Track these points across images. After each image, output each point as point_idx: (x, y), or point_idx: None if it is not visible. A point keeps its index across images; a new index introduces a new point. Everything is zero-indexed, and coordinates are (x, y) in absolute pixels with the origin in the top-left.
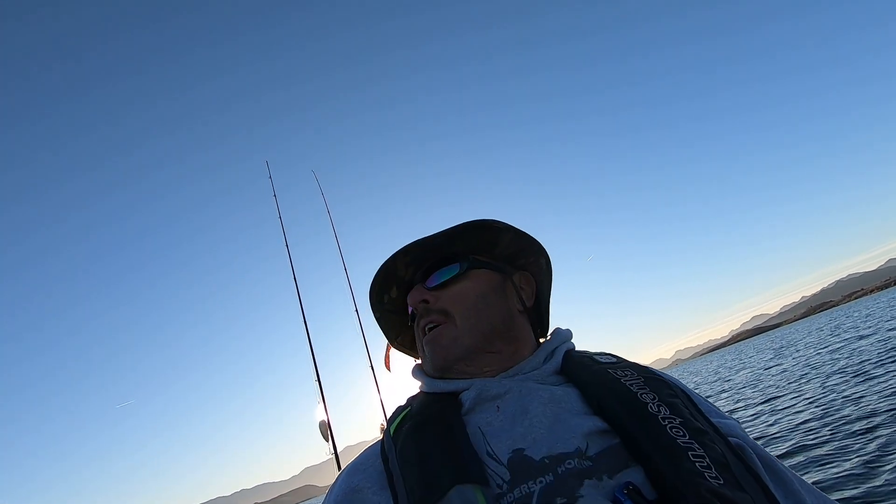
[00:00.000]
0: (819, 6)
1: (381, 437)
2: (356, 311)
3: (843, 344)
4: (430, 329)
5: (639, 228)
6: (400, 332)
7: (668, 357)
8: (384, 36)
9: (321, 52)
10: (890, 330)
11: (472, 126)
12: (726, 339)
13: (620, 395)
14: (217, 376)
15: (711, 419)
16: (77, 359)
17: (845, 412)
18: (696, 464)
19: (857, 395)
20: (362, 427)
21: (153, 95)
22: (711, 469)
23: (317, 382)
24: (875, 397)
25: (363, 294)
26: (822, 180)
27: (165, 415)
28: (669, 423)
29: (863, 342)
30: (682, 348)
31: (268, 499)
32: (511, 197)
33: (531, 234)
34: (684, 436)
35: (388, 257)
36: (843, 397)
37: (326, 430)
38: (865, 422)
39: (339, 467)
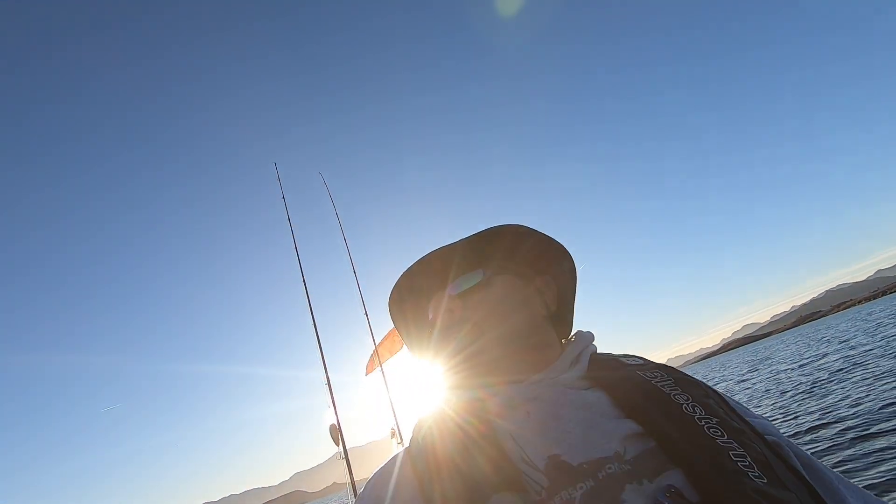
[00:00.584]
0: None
1: (391, 440)
2: (365, 314)
3: (811, 360)
4: (460, 344)
5: (633, 237)
6: (422, 341)
7: None
8: (395, 41)
9: (333, 55)
10: (852, 347)
11: (482, 129)
12: (717, 347)
13: (653, 396)
14: (210, 380)
15: (746, 418)
16: (70, 358)
17: (789, 430)
18: (738, 463)
19: (806, 411)
20: (371, 429)
21: (164, 96)
22: (754, 468)
23: (327, 386)
24: (815, 414)
25: (372, 296)
26: (814, 193)
27: (154, 419)
28: (706, 423)
29: (828, 358)
30: (674, 356)
31: None
32: (518, 199)
33: (554, 238)
34: (723, 435)
35: (409, 267)
36: (790, 415)
37: (337, 433)
38: (809, 438)
39: (350, 469)
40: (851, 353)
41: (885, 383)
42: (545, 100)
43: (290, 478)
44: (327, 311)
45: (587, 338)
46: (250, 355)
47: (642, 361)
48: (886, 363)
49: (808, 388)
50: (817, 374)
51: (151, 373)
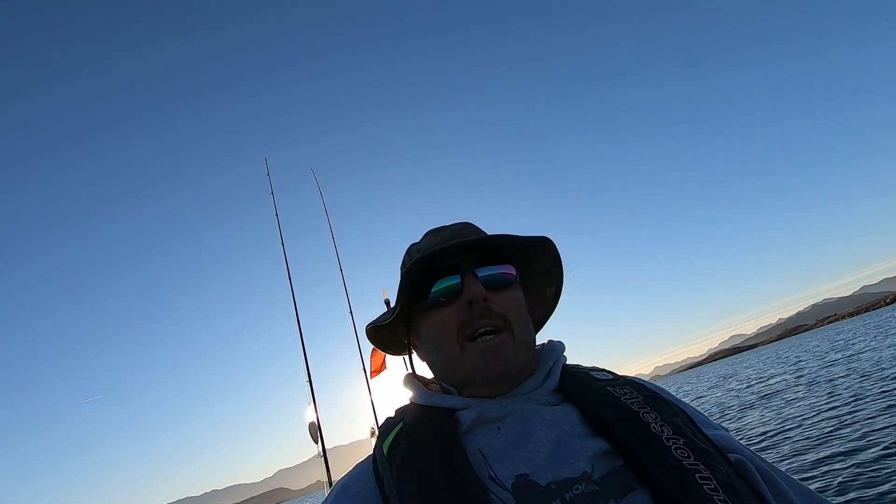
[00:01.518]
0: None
1: (371, 439)
2: (350, 311)
3: (773, 375)
4: (488, 334)
5: (625, 243)
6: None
7: (648, 372)
8: (387, 36)
9: (324, 49)
10: (798, 371)
11: (471, 127)
12: (703, 357)
13: (622, 414)
14: (193, 373)
15: (707, 433)
16: (47, 352)
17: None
18: (704, 486)
19: (750, 428)
20: (353, 429)
21: (152, 88)
22: (719, 492)
23: (308, 383)
24: (758, 429)
25: (358, 295)
26: (803, 206)
27: (134, 411)
28: (674, 443)
29: (785, 376)
30: (661, 364)
31: (238, 501)
32: (504, 199)
33: (562, 263)
34: (689, 457)
35: (448, 245)
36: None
37: (316, 431)
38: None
39: (328, 468)
40: (789, 377)
41: (793, 410)
42: (541, 98)
43: (274, 475)
44: (313, 310)
45: (558, 349)
46: (234, 350)
47: (612, 376)
48: (805, 393)
49: (737, 409)
50: (746, 398)
51: (133, 367)
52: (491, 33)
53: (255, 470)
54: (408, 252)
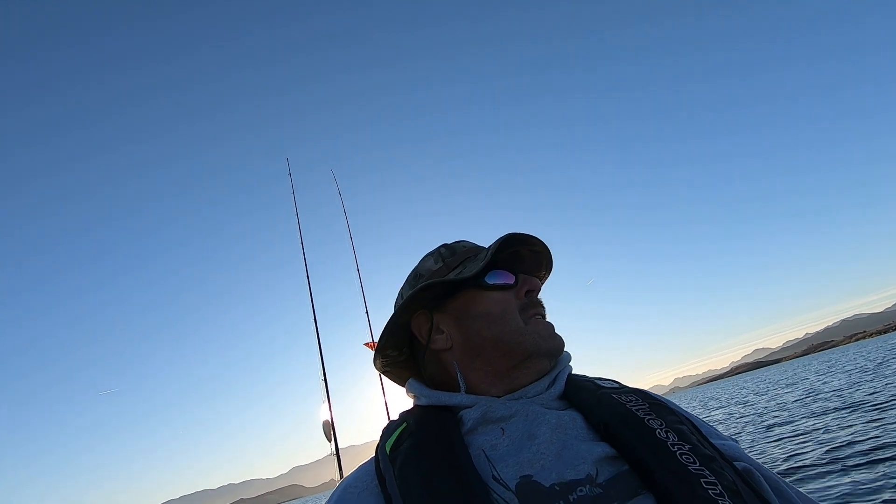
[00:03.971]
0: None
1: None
2: (366, 312)
3: (772, 399)
4: (540, 318)
5: (648, 251)
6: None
7: (667, 384)
8: (411, 41)
9: (349, 53)
10: (830, 390)
11: (492, 134)
12: (726, 370)
13: (627, 420)
14: (214, 368)
15: (715, 443)
16: (69, 345)
17: None
18: (710, 491)
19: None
20: (367, 428)
21: (177, 89)
22: (725, 497)
23: (323, 382)
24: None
25: (374, 296)
26: (838, 220)
27: (156, 404)
28: (679, 449)
29: (787, 398)
30: (682, 376)
31: (254, 495)
32: (524, 206)
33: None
34: (695, 462)
35: (539, 240)
36: None
37: (330, 430)
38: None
39: (340, 467)
40: (794, 402)
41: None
42: (565, 103)
43: (289, 471)
44: (330, 309)
45: (565, 358)
46: (253, 347)
47: (617, 385)
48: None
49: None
50: (735, 423)
51: (156, 363)
52: (519, 40)
53: (271, 466)
54: (415, 271)
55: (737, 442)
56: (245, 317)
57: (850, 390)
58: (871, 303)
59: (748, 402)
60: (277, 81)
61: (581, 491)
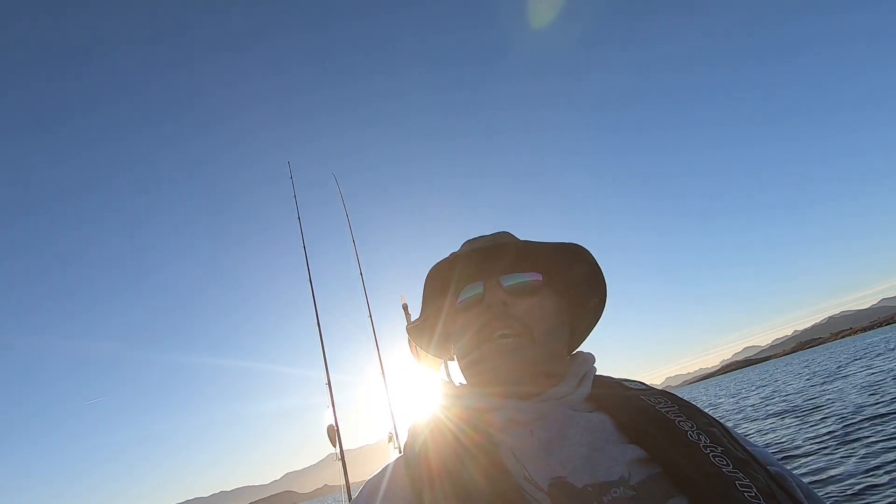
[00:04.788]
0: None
1: (388, 444)
2: (370, 315)
3: (745, 401)
4: (505, 337)
5: (638, 250)
6: (448, 319)
7: (659, 383)
8: (413, 46)
9: (352, 57)
10: (768, 395)
11: (494, 137)
12: (716, 368)
13: (658, 422)
14: (206, 374)
15: (748, 448)
16: (59, 344)
17: None
18: (745, 493)
19: None
20: (366, 433)
21: (182, 94)
22: (760, 500)
23: (327, 386)
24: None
25: (377, 299)
26: (824, 218)
27: (146, 411)
28: (711, 451)
29: (750, 400)
30: (673, 375)
31: (246, 503)
32: (528, 207)
33: (603, 273)
34: (728, 465)
35: (471, 240)
36: None
37: (334, 434)
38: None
39: (346, 471)
40: (755, 403)
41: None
42: (564, 107)
43: (282, 477)
44: (331, 312)
45: (589, 359)
46: (248, 351)
47: (644, 386)
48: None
49: None
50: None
51: (145, 363)
52: (518, 46)
53: (264, 472)
54: (443, 260)
55: (767, 451)
56: (245, 320)
57: (794, 395)
58: (858, 300)
59: (719, 404)
60: (280, 85)
61: (615, 493)
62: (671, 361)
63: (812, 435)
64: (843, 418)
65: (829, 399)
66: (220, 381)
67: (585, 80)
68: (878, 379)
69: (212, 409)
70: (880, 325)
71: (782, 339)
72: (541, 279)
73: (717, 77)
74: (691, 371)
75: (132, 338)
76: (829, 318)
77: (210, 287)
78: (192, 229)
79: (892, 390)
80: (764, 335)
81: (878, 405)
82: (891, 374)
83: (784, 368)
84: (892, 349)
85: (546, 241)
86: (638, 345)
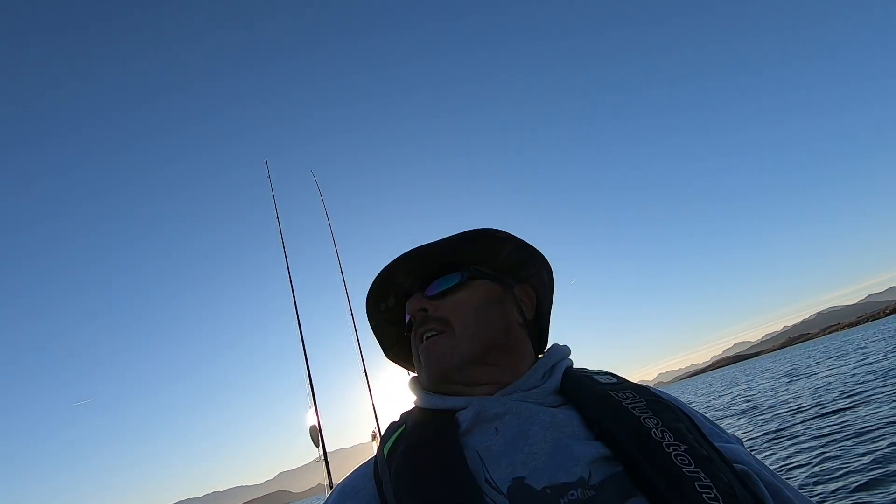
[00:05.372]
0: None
1: (372, 443)
2: (351, 314)
3: (724, 399)
4: (429, 337)
5: (631, 250)
6: (396, 342)
7: (651, 379)
8: (390, 42)
9: (328, 53)
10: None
11: (476, 131)
12: (707, 364)
13: (623, 419)
14: (194, 375)
15: (715, 444)
16: (45, 354)
17: None
18: (703, 495)
19: None
20: (354, 432)
21: (154, 89)
22: (719, 501)
23: (309, 386)
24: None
25: (359, 298)
26: (812, 214)
27: (136, 412)
28: (674, 450)
29: (723, 399)
30: (665, 371)
31: (240, 503)
32: (511, 204)
33: (533, 245)
34: (690, 464)
35: (387, 264)
36: None
37: (317, 434)
38: None
39: (329, 471)
40: (725, 405)
41: None
42: (546, 101)
43: (275, 477)
44: (313, 311)
45: (562, 351)
46: (235, 352)
47: (616, 380)
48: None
49: None
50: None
51: (133, 368)
52: (494, 42)
53: (257, 472)
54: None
55: (741, 443)
56: (227, 323)
57: (757, 395)
58: (846, 295)
59: (692, 402)
60: (257, 83)
61: (573, 495)
62: (664, 357)
63: (756, 434)
64: (784, 418)
65: (783, 399)
66: (209, 382)
67: (573, 74)
68: (829, 382)
69: (204, 408)
70: (866, 321)
71: (772, 335)
72: (460, 277)
73: (707, 79)
74: (683, 367)
75: (120, 339)
76: (818, 313)
77: (190, 290)
78: (170, 231)
79: (836, 392)
80: (754, 331)
81: (819, 406)
82: (845, 376)
83: (771, 365)
84: (861, 348)
85: (451, 235)
86: (631, 341)
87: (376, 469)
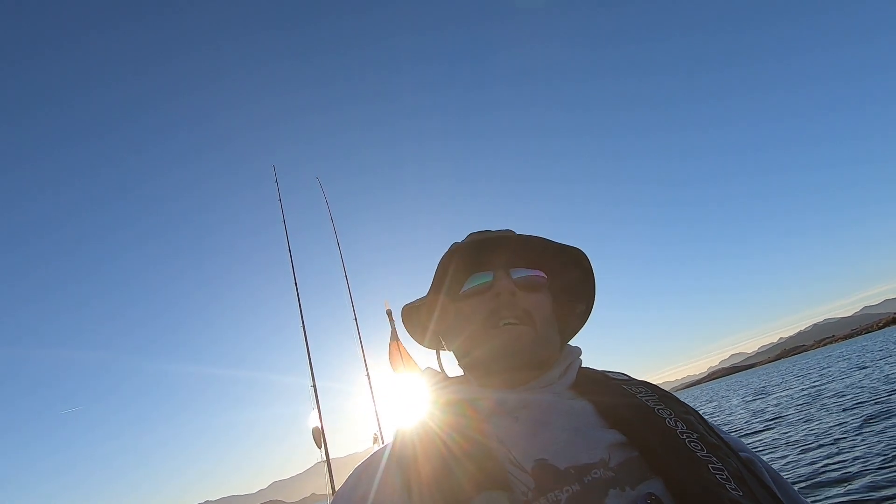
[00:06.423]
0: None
1: (374, 446)
2: (355, 319)
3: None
4: (510, 324)
5: (627, 261)
6: (451, 299)
7: None
8: (397, 48)
9: (336, 59)
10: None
11: (479, 136)
12: (703, 375)
13: (638, 409)
14: (189, 382)
15: (721, 435)
16: (41, 353)
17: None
18: (717, 476)
19: None
20: (354, 436)
21: (165, 95)
22: (731, 482)
23: (312, 388)
24: None
25: (362, 303)
26: (809, 227)
27: (129, 420)
28: (687, 437)
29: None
30: (661, 382)
31: None
32: (514, 207)
33: (595, 281)
34: (702, 449)
35: (497, 232)
36: None
37: (319, 436)
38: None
39: (331, 474)
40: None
41: None
42: (550, 107)
43: (268, 486)
44: (317, 316)
45: (575, 351)
46: (233, 358)
47: (626, 377)
48: None
49: None
50: None
51: (128, 372)
52: (501, 47)
53: (250, 481)
54: (450, 249)
55: (739, 438)
56: (228, 323)
57: (736, 409)
58: (841, 307)
59: None
60: (264, 88)
61: (595, 473)
62: (660, 368)
63: None
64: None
65: (756, 413)
66: (205, 389)
67: (575, 79)
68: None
69: (197, 417)
70: (861, 333)
71: (768, 346)
72: (544, 277)
73: (713, 85)
74: (679, 378)
75: (115, 346)
76: (814, 325)
77: (194, 294)
78: (177, 236)
79: (794, 408)
80: (750, 342)
81: (776, 420)
82: (813, 393)
83: (761, 377)
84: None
85: (550, 239)
86: (627, 352)
87: (395, 453)
